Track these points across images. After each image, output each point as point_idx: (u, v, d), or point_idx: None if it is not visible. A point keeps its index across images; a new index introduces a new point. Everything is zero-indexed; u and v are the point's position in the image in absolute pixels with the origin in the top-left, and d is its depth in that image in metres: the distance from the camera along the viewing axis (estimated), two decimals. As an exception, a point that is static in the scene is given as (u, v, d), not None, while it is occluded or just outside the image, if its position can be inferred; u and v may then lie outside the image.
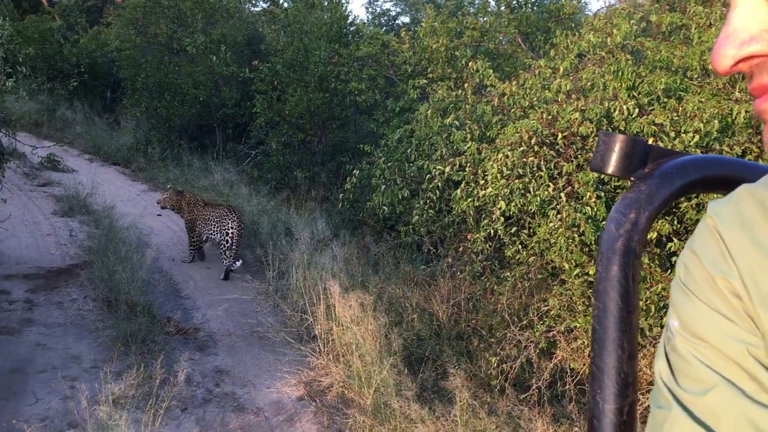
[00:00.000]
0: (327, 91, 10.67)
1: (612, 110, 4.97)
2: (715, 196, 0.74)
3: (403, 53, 10.65)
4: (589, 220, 4.71)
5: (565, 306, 4.91)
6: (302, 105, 10.60)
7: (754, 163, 0.78)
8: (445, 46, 9.52)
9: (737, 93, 4.89)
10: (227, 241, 7.59)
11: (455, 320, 5.88)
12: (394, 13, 22.16)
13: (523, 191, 5.11)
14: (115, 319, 5.94)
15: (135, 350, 5.41)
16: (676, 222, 4.59)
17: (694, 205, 4.55)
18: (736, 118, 4.57)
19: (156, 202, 8.52)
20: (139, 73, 13.09)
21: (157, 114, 13.06)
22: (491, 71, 6.63)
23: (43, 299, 6.46)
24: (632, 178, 0.75)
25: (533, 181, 5.07)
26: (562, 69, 5.79)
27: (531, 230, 5.33)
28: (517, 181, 5.10)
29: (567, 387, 4.87)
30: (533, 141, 5.12)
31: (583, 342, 4.78)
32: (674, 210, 4.63)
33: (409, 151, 7.04)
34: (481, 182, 5.43)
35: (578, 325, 4.79)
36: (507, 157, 5.17)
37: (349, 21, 12.78)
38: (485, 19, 10.84)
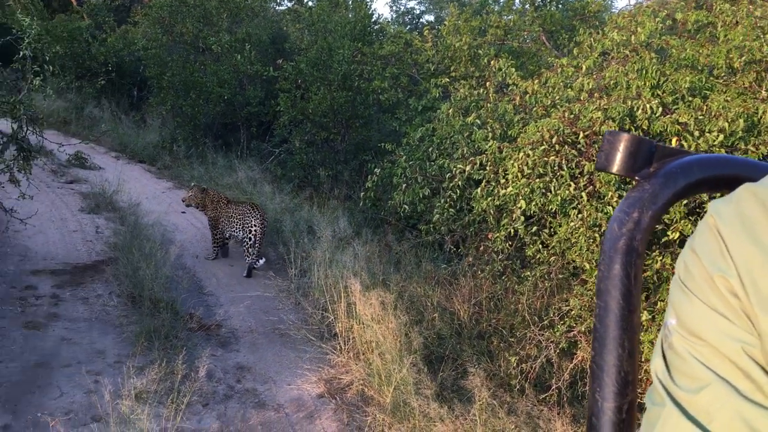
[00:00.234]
0: (350, 89, 10.69)
1: (635, 109, 4.92)
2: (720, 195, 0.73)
3: (426, 52, 10.64)
4: (611, 220, 4.66)
5: (586, 306, 4.87)
6: (326, 103, 10.63)
7: (759, 162, 0.77)
8: (468, 45, 9.50)
9: (764, 92, 4.82)
10: (250, 239, 7.65)
11: (476, 319, 5.86)
12: (418, 12, 22.22)
13: (544, 190, 5.08)
14: (139, 314, 6.02)
15: (158, 346, 5.48)
16: (699, 221, 4.53)
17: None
18: (762, 117, 4.50)
19: (181, 200, 8.62)
20: (165, 72, 13.26)
21: (183, 112, 13.21)
22: (513, 70, 6.59)
23: (69, 294, 6.56)
24: (637, 178, 0.75)
25: (554, 180, 5.04)
26: (584, 67, 5.74)
27: (552, 230, 5.30)
28: (538, 180, 5.08)
29: (587, 388, 4.83)
30: (555, 140, 5.09)
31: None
32: (698, 210, 4.58)
33: (430, 149, 7.03)
34: (502, 181, 5.41)
35: (599, 326, 4.74)
36: (528, 156, 5.14)
37: (373, 20, 12.80)
38: (509, 17, 10.79)
